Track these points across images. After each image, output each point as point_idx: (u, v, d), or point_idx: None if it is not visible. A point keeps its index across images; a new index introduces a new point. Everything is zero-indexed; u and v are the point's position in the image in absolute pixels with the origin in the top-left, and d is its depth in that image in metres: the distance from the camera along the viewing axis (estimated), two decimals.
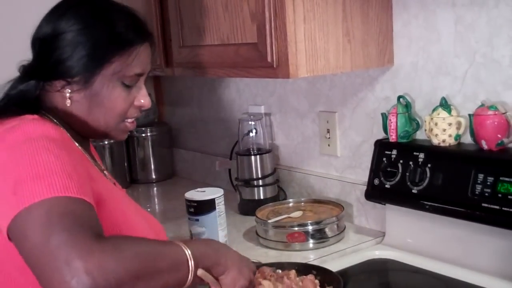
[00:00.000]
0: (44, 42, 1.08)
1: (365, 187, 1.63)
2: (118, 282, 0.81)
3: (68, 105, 1.07)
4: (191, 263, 0.93)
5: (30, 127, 0.96)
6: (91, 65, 1.06)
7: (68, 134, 1.08)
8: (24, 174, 0.89)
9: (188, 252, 0.94)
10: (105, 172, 1.17)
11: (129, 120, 1.14)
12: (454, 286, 1.36)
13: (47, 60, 1.07)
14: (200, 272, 0.96)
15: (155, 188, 2.51)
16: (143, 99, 1.14)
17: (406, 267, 1.48)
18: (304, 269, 1.32)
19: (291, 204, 1.79)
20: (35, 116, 1.03)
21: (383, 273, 1.52)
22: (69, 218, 0.84)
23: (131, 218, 1.07)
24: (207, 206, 1.55)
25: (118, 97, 1.09)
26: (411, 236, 1.54)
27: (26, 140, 0.93)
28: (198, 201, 1.55)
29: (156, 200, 2.50)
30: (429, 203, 1.44)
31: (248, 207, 1.90)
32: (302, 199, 1.80)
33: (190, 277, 0.93)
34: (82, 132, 1.12)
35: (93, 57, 1.06)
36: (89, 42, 1.06)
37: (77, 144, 1.10)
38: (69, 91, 1.07)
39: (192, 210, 1.56)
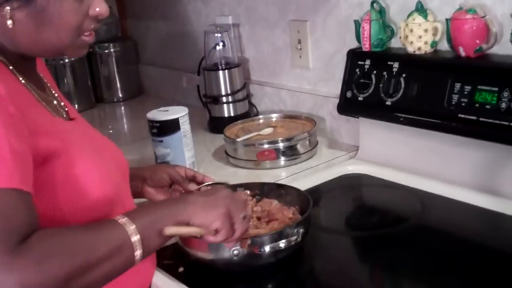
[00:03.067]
0: None
1: (338, 100, 1.55)
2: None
3: (10, 26, 0.91)
4: (136, 238, 0.87)
5: None
6: None
7: (7, 64, 0.95)
8: None
9: (130, 227, 0.87)
10: (55, 102, 1.05)
11: (86, 33, 0.98)
12: (429, 199, 1.31)
13: None
14: (169, 231, 0.90)
15: (122, 108, 2.41)
16: (99, 6, 0.97)
17: (380, 181, 1.43)
18: (272, 189, 1.26)
19: (261, 121, 1.71)
20: None
21: (357, 188, 1.47)
22: None
23: (87, 166, 0.96)
24: (171, 127, 1.46)
25: (69, 11, 0.93)
26: (386, 149, 1.48)
27: None
28: (161, 121, 1.46)
29: (124, 119, 2.41)
30: (403, 115, 1.36)
31: (218, 125, 1.82)
32: (273, 115, 1.71)
33: (138, 253, 0.87)
34: (30, 53, 0.98)
35: None
36: None
37: (20, 78, 0.96)
38: (9, 9, 0.90)
39: (155, 131, 1.48)
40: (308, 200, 1.16)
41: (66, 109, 1.08)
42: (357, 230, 1.24)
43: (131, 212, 0.92)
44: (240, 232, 0.99)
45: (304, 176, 1.48)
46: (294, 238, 1.04)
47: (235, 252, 1.04)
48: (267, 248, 1.03)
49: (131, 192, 1.16)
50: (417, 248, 1.13)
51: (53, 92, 1.07)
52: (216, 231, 0.96)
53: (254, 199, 1.25)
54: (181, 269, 1.13)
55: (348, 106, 1.51)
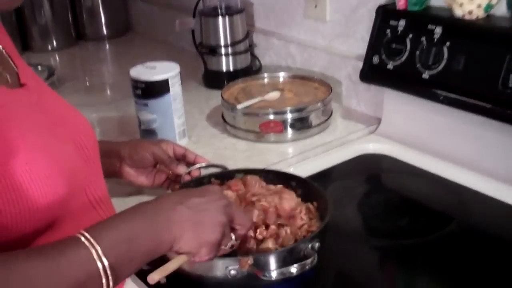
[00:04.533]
0: None
1: (358, 62, 1.30)
2: None
3: None
4: (105, 264, 0.64)
5: None
6: None
7: None
8: None
9: (96, 251, 0.64)
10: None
11: None
12: (468, 197, 1.08)
13: None
14: (155, 277, 0.69)
15: (107, 46, 2.12)
16: None
17: (407, 167, 1.19)
18: (279, 178, 1.02)
19: (266, 81, 1.45)
20: None
21: (379, 175, 1.23)
22: None
23: (32, 139, 0.73)
24: (159, 89, 1.21)
25: None
26: (414, 128, 1.24)
27: None
28: (146, 81, 1.21)
29: (108, 60, 2.13)
30: (444, 93, 1.12)
31: (215, 80, 1.57)
32: (281, 75, 1.45)
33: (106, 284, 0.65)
34: None
35: None
36: None
37: None
38: None
39: (139, 92, 1.22)
40: (326, 201, 0.93)
41: (17, 71, 0.82)
42: (380, 237, 1.00)
43: (97, 229, 0.68)
44: (222, 253, 0.79)
45: (315, 154, 1.25)
46: (309, 260, 0.81)
47: (232, 272, 0.81)
48: (274, 274, 0.80)
49: (107, 171, 0.92)
50: (461, 267, 0.90)
51: None
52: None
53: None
54: (163, 281, 0.90)
55: (373, 74, 1.25)
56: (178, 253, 0.74)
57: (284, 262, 0.82)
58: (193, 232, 0.72)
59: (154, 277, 0.71)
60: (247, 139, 1.29)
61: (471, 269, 0.90)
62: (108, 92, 1.78)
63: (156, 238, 0.70)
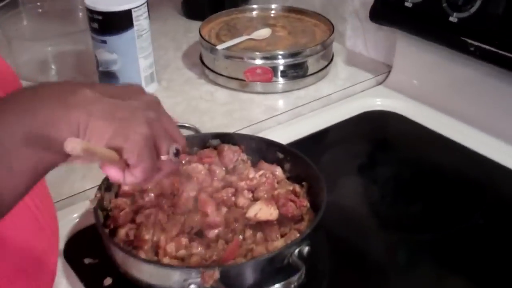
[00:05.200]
0: None
1: None
2: None
3: None
4: None
5: None
6: None
7: None
8: None
9: None
10: None
11: None
12: (493, 172, 0.88)
13: None
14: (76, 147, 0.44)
15: None
16: None
17: (420, 130, 0.98)
18: (262, 147, 0.81)
19: (254, 13, 1.20)
20: None
21: (389, 139, 1.01)
22: None
23: None
24: (119, 21, 0.97)
25: None
26: (434, 82, 1.01)
27: None
28: (104, 12, 0.97)
29: None
30: (475, 43, 0.88)
31: (196, 9, 1.34)
32: (272, 7, 1.21)
33: None
34: None
35: None
36: None
37: None
38: None
39: (95, 26, 0.98)
40: (320, 186, 0.72)
41: None
42: (392, 229, 0.79)
43: None
44: (165, 173, 0.54)
45: (311, 110, 1.03)
46: (296, 277, 0.60)
47: (192, 287, 0.61)
48: None
49: None
50: (493, 272, 0.71)
51: None
52: (127, 163, 0.50)
53: (249, 162, 0.80)
54: (108, 282, 0.71)
55: (387, 12, 1.01)
56: None
57: (262, 274, 0.61)
58: (105, 117, 0.48)
59: (71, 144, 0.45)
60: (229, 87, 1.07)
61: (506, 274, 0.70)
62: (80, 18, 1.52)
63: (47, 129, 0.46)
